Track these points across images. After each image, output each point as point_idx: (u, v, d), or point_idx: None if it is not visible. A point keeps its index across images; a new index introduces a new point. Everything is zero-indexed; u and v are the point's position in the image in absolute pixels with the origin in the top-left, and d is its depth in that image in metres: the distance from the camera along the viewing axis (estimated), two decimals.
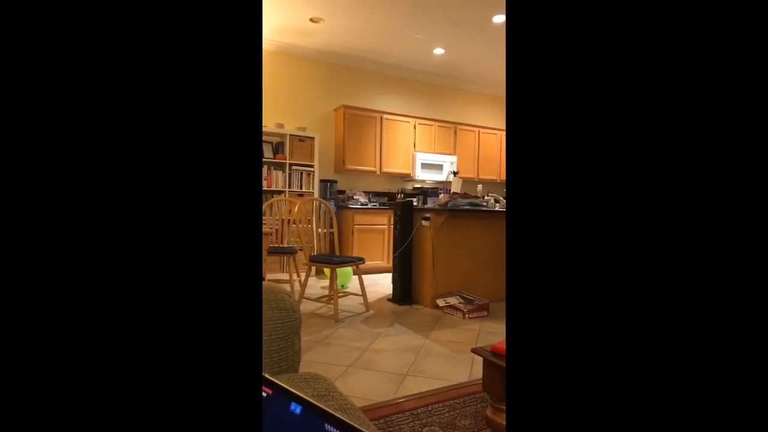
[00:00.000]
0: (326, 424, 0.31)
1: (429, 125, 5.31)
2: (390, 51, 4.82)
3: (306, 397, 0.33)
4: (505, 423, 1.08)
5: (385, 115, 4.98)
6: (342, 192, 4.90)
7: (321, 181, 4.66)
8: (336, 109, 4.92)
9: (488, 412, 1.12)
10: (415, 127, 5.20)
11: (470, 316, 2.92)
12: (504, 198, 3.77)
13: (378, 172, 4.98)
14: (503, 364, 1.05)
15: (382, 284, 4.08)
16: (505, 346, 1.09)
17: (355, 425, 0.29)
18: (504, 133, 5.90)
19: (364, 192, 4.99)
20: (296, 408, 0.33)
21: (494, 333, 2.58)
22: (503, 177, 5.89)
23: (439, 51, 4.74)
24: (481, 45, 4.54)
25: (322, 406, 0.32)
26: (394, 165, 5.07)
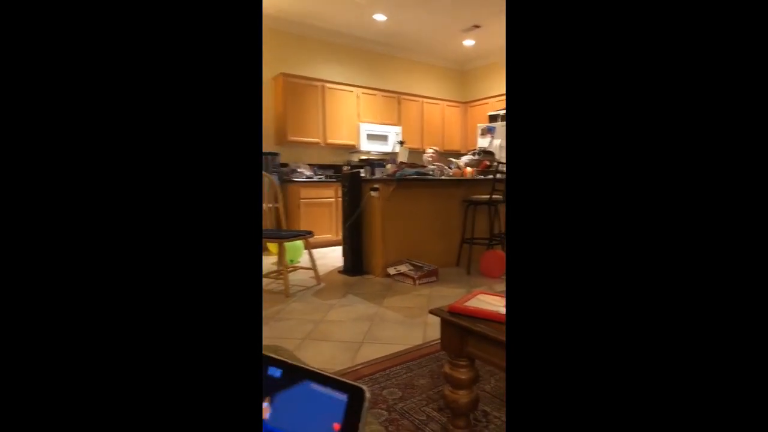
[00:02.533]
0: (310, 383, 0.29)
1: (373, 95, 5.23)
2: (329, 16, 4.62)
3: (285, 360, 0.30)
4: (462, 377, 1.13)
5: (327, 84, 4.82)
6: (285, 165, 4.73)
7: (262, 154, 4.46)
8: (275, 78, 4.67)
9: (447, 368, 1.15)
10: (358, 97, 5.09)
11: (420, 282, 2.99)
12: (448, 167, 3.84)
13: (322, 144, 4.85)
14: (460, 322, 1.08)
15: (332, 257, 4.05)
16: (460, 305, 1.12)
17: (341, 378, 0.28)
18: (446, 103, 5.97)
19: (308, 165, 4.85)
20: (275, 372, 0.31)
21: (444, 297, 2.68)
22: (446, 146, 6.00)
23: (380, 17, 4.62)
24: (423, 13, 4.48)
25: (303, 366, 0.29)
26: (339, 136, 4.96)
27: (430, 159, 3.80)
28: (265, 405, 0.30)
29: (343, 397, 0.28)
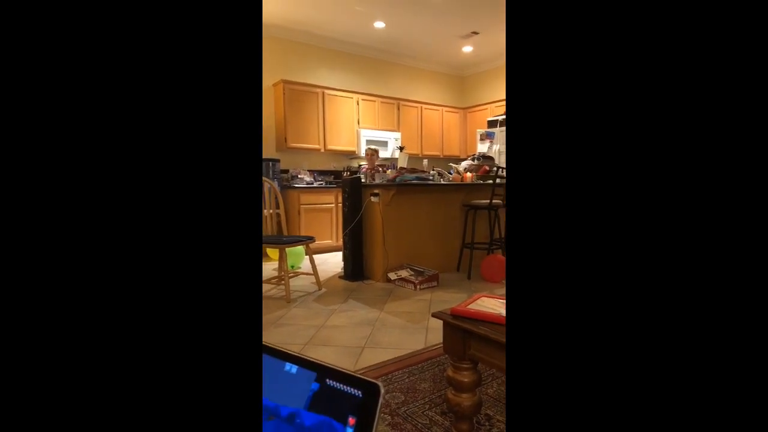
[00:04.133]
0: (327, 379, 0.29)
1: (372, 101, 5.26)
2: (329, 23, 4.66)
3: (302, 356, 0.31)
4: (465, 380, 1.13)
5: (326, 91, 4.85)
6: (285, 171, 4.74)
7: (262, 160, 4.47)
8: (275, 84, 4.70)
9: (449, 371, 1.16)
10: (358, 103, 5.12)
11: (421, 287, 3.00)
12: (448, 172, 3.86)
13: (322, 150, 4.87)
14: (463, 324, 1.08)
15: (332, 263, 4.05)
16: (462, 308, 1.12)
17: (358, 375, 0.28)
18: (445, 109, 6.00)
19: (308, 171, 4.87)
20: (291, 368, 0.31)
21: (445, 301, 2.68)
22: (446, 152, 6.02)
23: (379, 24, 4.66)
24: (422, 19, 4.52)
25: (320, 362, 0.30)
26: (339, 142, 4.98)
27: (366, 160, 3.72)
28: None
29: (357, 392, 0.29)
